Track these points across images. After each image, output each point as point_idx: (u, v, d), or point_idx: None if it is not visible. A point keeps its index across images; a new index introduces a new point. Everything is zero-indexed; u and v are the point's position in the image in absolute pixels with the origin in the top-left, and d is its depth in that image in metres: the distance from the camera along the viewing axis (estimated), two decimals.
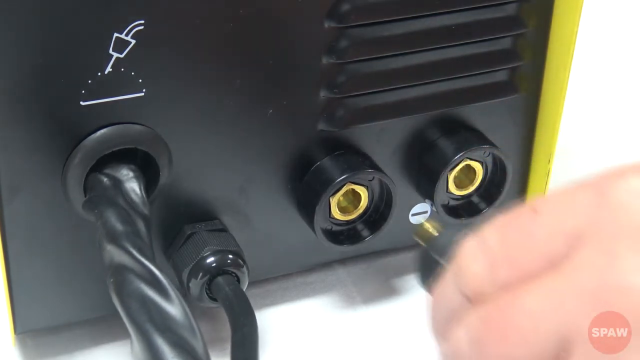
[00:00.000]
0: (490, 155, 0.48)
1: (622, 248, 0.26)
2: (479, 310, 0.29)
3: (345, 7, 0.42)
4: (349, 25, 0.43)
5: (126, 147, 0.41)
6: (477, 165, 0.48)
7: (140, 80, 0.40)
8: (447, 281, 0.31)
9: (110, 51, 0.39)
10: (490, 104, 0.48)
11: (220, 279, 0.42)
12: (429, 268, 0.34)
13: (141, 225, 0.39)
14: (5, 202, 0.40)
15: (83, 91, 0.39)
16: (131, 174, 0.41)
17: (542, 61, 0.49)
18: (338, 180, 0.45)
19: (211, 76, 0.41)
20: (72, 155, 0.40)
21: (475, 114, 0.48)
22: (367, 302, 0.49)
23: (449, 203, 0.48)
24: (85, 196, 0.41)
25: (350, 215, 0.46)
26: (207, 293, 0.43)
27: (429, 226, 0.36)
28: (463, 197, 0.49)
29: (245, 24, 0.41)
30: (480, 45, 0.46)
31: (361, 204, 0.46)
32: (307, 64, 0.43)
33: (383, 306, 0.49)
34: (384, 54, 0.44)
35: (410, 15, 0.44)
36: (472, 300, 0.29)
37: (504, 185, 0.49)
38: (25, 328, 0.43)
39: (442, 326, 0.30)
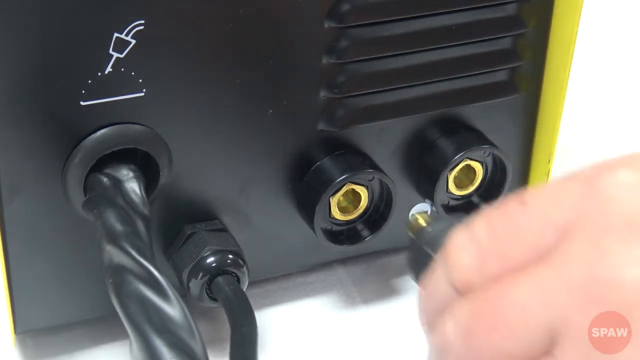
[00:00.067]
0: (490, 155, 0.48)
1: (611, 241, 0.27)
2: (468, 303, 0.29)
3: (345, 7, 0.42)
4: (349, 25, 0.43)
5: (126, 147, 0.41)
6: (477, 165, 0.48)
7: (140, 80, 0.40)
8: (437, 273, 0.31)
9: (110, 51, 0.39)
10: (490, 104, 0.48)
11: (220, 279, 0.42)
12: (420, 260, 0.34)
13: (141, 226, 0.39)
14: (5, 202, 0.40)
15: (83, 91, 0.39)
16: (131, 174, 0.41)
17: (542, 61, 0.49)
18: (338, 180, 0.45)
19: (211, 76, 0.41)
20: (72, 155, 0.40)
21: (475, 114, 0.48)
22: (367, 302, 0.49)
23: (449, 203, 0.48)
24: (85, 196, 0.41)
25: (350, 215, 0.46)
26: (207, 293, 0.43)
27: (419, 218, 0.36)
28: (463, 197, 0.49)
29: (245, 24, 0.41)
30: (480, 45, 0.46)
31: (361, 204, 0.46)
32: (307, 64, 0.43)
33: (383, 306, 0.49)
34: (384, 54, 0.44)
35: (410, 15, 0.44)
36: (462, 292, 0.29)
37: (504, 185, 0.49)
38: (25, 328, 0.43)
39: (432, 318, 0.30)
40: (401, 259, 0.51)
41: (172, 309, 0.36)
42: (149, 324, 0.36)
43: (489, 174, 0.49)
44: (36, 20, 0.37)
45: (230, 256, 0.43)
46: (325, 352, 0.46)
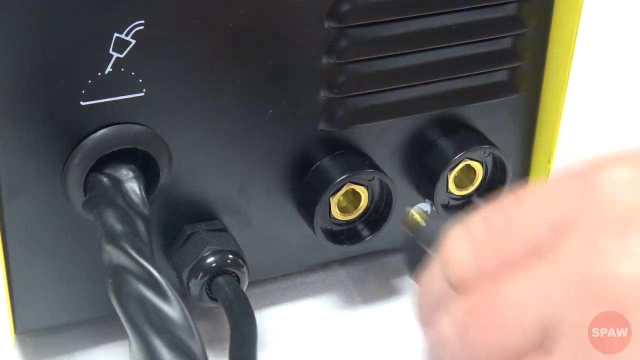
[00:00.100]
0: (490, 155, 0.48)
1: (606, 237, 0.27)
2: (464, 299, 0.29)
3: (345, 7, 0.42)
4: (349, 25, 0.43)
5: (126, 147, 0.41)
6: (477, 165, 0.48)
7: (140, 80, 0.40)
8: (434, 270, 0.31)
9: (110, 51, 0.39)
10: (490, 104, 0.48)
11: (220, 279, 0.42)
12: (416, 257, 0.34)
13: (141, 226, 0.39)
14: (5, 202, 0.40)
15: (83, 91, 0.39)
16: (131, 174, 0.41)
17: (542, 61, 0.49)
18: (338, 180, 0.45)
19: (211, 76, 0.41)
20: (72, 155, 0.40)
21: (475, 114, 0.48)
22: (367, 302, 0.49)
23: (449, 203, 0.48)
24: (85, 196, 0.41)
25: (350, 215, 0.46)
26: (207, 293, 0.43)
27: (416, 215, 0.36)
28: (463, 197, 0.49)
29: (245, 24, 0.41)
30: (480, 45, 0.46)
31: (361, 204, 0.46)
32: (307, 64, 0.43)
33: (383, 306, 0.48)
34: (384, 54, 0.44)
35: (410, 15, 0.44)
36: (458, 288, 0.29)
37: (504, 185, 0.49)
38: (25, 328, 0.43)
39: (428, 314, 0.30)
40: (401, 259, 0.51)
41: (172, 310, 0.36)
42: (148, 324, 0.36)
43: (489, 174, 0.49)
44: (36, 20, 0.37)
45: (230, 256, 0.43)
46: (325, 352, 0.46)
